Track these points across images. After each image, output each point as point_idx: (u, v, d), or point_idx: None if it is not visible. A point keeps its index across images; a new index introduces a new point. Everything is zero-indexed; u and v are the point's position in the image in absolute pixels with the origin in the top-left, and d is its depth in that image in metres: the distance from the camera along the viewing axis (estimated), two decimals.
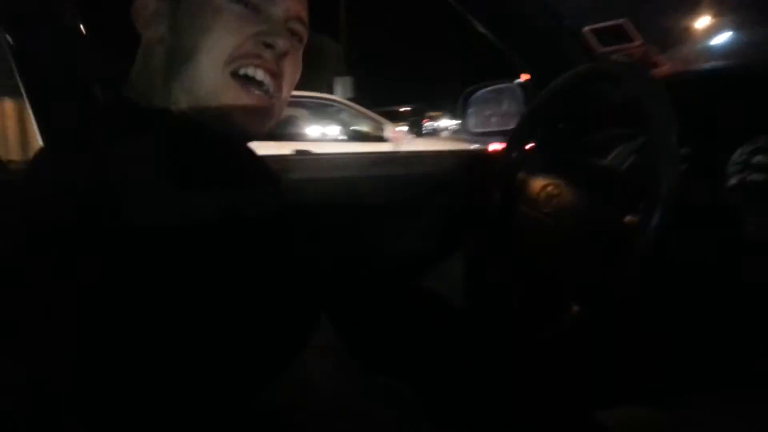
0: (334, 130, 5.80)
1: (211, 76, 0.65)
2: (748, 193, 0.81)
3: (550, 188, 0.95)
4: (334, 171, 1.58)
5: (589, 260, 0.86)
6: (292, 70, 0.73)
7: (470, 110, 1.61)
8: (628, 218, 0.80)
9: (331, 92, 10.12)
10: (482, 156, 1.53)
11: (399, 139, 5.46)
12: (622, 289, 0.79)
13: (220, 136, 0.67)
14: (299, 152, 5.02)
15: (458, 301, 1.24)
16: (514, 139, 1.14)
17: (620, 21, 1.20)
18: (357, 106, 5.84)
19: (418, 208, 1.42)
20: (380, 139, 5.54)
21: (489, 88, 1.55)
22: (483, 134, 1.61)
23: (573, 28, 1.27)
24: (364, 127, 5.84)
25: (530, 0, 1.20)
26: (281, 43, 0.68)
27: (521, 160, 1.11)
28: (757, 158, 0.81)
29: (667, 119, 0.77)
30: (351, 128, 5.90)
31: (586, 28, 1.24)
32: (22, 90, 1.15)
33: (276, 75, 0.69)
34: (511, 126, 1.46)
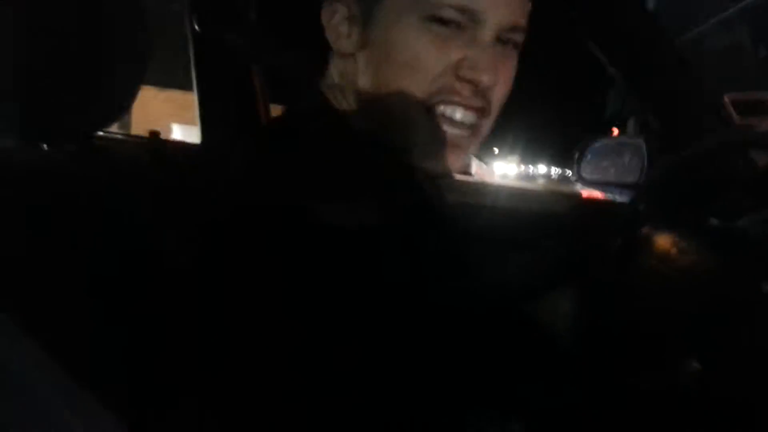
0: None
1: (404, 109, 0.60)
2: None
3: (682, 245, 0.98)
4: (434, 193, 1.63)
5: (718, 319, 0.87)
6: (501, 93, 0.64)
7: (587, 157, 1.64)
8: (766, 288, 0.82)
9: None
10: (600, 202, 1.56)
11: (484, 175, 5.49)
12: (752, 357, 0.81)
13: (408, 168, 0.64)
14: None
15: (563, 339, 1.26)
16: (645, 192, 1.17)
17: (765, 94, 1.21)
18: None
19: (527, 242, 1.46)
20: (465, 172, 5.59)
21: (611, 140, 1.59)
22: (596, 183, 1.65)
23: (712, 94, 1.29)
24: None
25: (675, 61, 1.23)
26: (486, 79, 0.59)
27: (648, 214, 1.14)
28: None
29: None
30: None
31: (727, 97, 1.25)
32: (194, 78, 1.27)
33: (479, 110, 0.63)
34: (630, 179, 1.50)
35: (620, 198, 1.63)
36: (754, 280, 0.84)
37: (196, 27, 1.13)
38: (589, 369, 1.11)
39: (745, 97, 1.24)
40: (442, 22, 0.57)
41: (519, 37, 0.64)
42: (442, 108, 0.61)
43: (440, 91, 0.60)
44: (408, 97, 0.59)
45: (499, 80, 0.61)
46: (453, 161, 0.65)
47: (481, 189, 1.56)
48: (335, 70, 0.68)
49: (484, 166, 5.70)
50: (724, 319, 0.87)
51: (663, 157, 1.23)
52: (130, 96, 0.67)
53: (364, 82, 0.63)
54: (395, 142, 0.64)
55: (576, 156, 1.69)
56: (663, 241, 1.04)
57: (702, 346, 0.91)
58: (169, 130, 5.75)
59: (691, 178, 1.16)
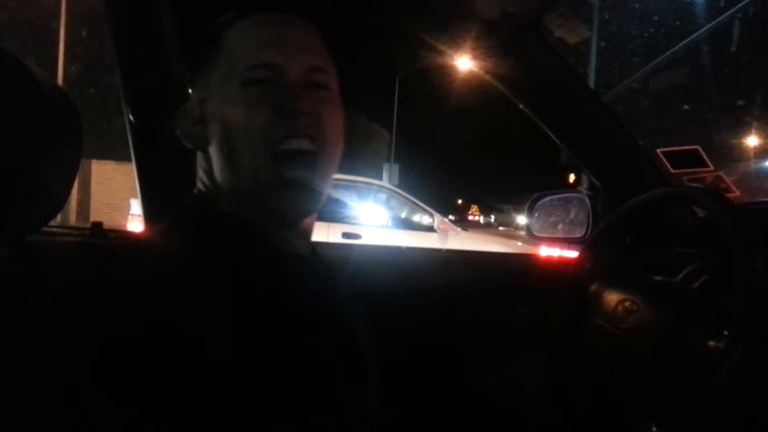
0: (383, 215, 5.93)
1: (256, 165, 0.66)
2: None
3: (627, 304, 0.97)
4: (396, 261, 1.62)
5: (668, 380, 0.86)
6: (331, 121, 0.70)
7: (536, 215, 1.66)
8: (711, 343, 0.81)
9: (380, 177, 10.43)
10: (552, 262, 1.56)
11: (447, 231, 5.53)
12: (704, 414, 0.79)
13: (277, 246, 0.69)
14: (347, 235, 5.15)
15: (520, 407, 1.23)
16: (588, 250, 1.17)
17: (694, 147, 1.26)
18: (406, 194, 5.96)
19: (481, 307, 1.44)
20: (429, 228, 5.61)
21: (557, 196, 1.61)
22: (547, 239, 1.66)
23: (646, 149, 1.33)
24: (412, 216, 5.96)
25: (608, 121, 1.27)
26: (302, 106, 0.66)
27: (595, 272, 1.14)
28: None
29: (751, 244, 0.79)
30: (400, 215, 6.02)
31: (660, 150, 1.29)
32: (134, 167, 1.24)
33: (310, 137, 0.67)
34: (577, 234, 1.52)
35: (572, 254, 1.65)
36: (698, 338, 0.83)
37: (131, 118, 1.12)
38: None
39: (677, 150, 1.28)
40: (255, 82, 0.66)
41: (323, 78, 0.71)
42: (283, 146, 0.66)
43: (271, 134, 0.65)
44: (256, 153, 0.65)
45: (317, 111, 0.68)
46: (306, 201, 0.68)
47: (438, 254, 1.56)
48: (200, 170, 0.74)
49: (446, 220, 5.74)
50: (673, 380, 0.86)
51: (606, 212, 1.25)
52: (63, 196, 0.67)
53: (222, 166, 0.69)
54: (264, 205, 0.67)
55: (526, 214, 1.71)
56: (610, 299, 1.04)
57: (656, 408, 0.89)
58: (128, 205, 5.65)
59: (629, 234, 1.18)
